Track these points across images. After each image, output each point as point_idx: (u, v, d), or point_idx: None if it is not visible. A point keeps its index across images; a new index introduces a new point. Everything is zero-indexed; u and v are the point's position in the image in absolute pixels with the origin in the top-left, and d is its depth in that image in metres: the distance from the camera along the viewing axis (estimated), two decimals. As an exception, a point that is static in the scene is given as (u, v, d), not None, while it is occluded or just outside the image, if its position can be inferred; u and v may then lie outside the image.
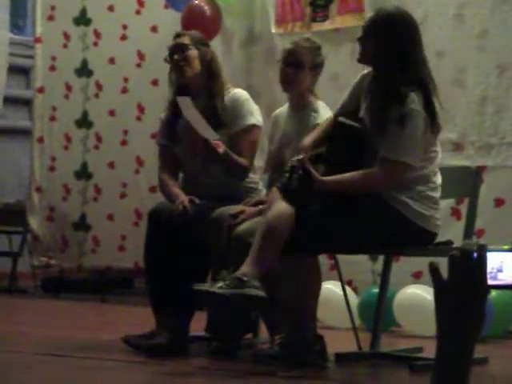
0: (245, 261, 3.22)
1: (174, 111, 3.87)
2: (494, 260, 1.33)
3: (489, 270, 1.32)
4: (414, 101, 3.26)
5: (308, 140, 3.50)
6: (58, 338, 4.17)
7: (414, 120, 3.27)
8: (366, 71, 3.50)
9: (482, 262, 1.31)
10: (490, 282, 1.32)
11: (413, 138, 3.28)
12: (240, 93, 3.87)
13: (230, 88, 3.89)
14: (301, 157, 3.29)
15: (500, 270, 1.34)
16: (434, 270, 1.32)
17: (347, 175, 3.29)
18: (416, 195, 3.34)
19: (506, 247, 1.35)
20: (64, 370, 3.37)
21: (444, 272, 1.33)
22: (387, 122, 3.27)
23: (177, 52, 3.86)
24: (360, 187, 3.30)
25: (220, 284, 3.14)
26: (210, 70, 3.86)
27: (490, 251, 1.33)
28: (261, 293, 3.15)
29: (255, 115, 3.83)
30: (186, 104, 3.72)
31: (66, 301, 6.23)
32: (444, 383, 1.31)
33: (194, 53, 3.86)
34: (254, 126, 3.82)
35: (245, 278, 3.14)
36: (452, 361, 1.30)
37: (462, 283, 1.30)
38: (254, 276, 3.16)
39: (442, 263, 1.33)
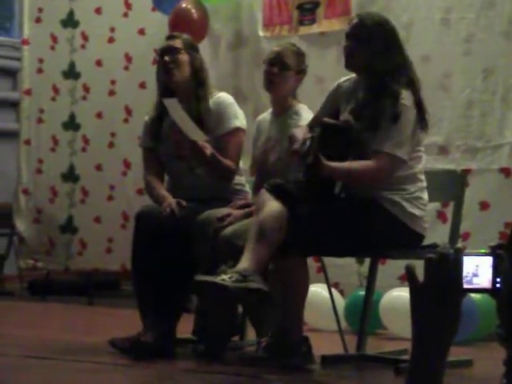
0: (232, 262, 3.23)
1: (160, 112, 3.88)
2: (469, 264, 1.35)
3: (464, 273, 1.34)
4: (405, 98, 3.33)
5: (299, 134, 3.49)
6: (44, 340, 4.17)
7: (405, 116, 3.34)
8: (341, 80, 3.55)
9: (458, 266, 1.32)
10: (465, 285, 1.34)
11: (404, 134, 3.35)
12: (224, 96, 3.90)
13: (214, 92, 3.92)
14: (312, 136, 3.30)
15: (475, 274, 1.35)
16: (410, 272, 1.33)
17: (346, 163, 3.33)
18: (408, 196, 3.39)
19: (482, 251, 1.36)
20: (50, 372, 3.37)
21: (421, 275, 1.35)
22: (381, 119, 3.32)
23: (168, 54, 3.88)
24: (358, 177, 3.35)
25: (222, 277, 3.13)
26: (198, 76, 3.88)
27: (466, 255, 1.34)
28: (263, 286, 3.16)
29: (240, 118, 3.86)
30: (173, 105, 3.73)
31: (53, 303, 6.22)
32: None
33: (184, 57, 3.88)
34: (238, 129, 3.85)
35: (246, 272, 3.15)
36: (426, 363, 1.32)
37: (438, 286, 1.31)
38: (254, 271, 3.17)
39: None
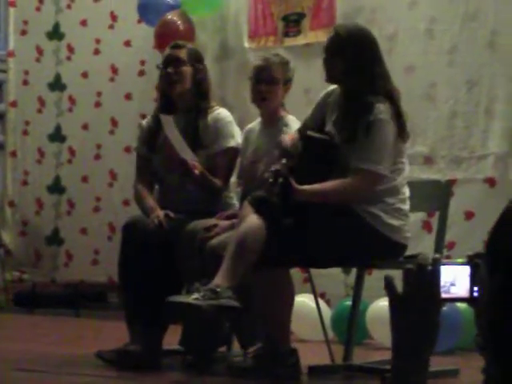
0: (206, 279, 3.24)
1: (157, 123, 3.88)
2: (447, 273, 1.36)
3: (442, 283, 1.35)
4: (382, 111, 3.33)
5: (288, 142, 3.50)
6: (31, 353, 4.15)
7: (382, 129, 3.33)
8: (330, 89, 3.57)
9: (435, 275, 1.33)
10: (443, 295, 1.35)
11: (382, 148, 3.34)
12: (223, 114, 3.90)
13: (215, 107, 3.92)
14: (282, 164, 3.31)
15: (453, 284, 1.37)
16: (388, 283, 1.34)
17: (323, 185, 3.33)
18: (387, 207, 3.39)
19: (459, 261, 1.38)
20: (38, 384, 3.36)
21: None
22: (356, 132, 3.33)
23: (171, 64, 3.86)
24: (335, 197, 3.34)
25: (195, 296, 3.15)
26: (200, 88, 3.88)
27: (443, 264, 1.36)
28: (235, 303, 3.17)
29: (236, 138, 3.86)
30: (167, 122, 3.74)
31: (40, 315, 6.20)
32: None
33: (187, 69, 3.87)
34: (233, 149, 3.86)
35: (218, 290, 3.16)
36: (406, 373, 1.33)
37: (417, 296, 1.32)
38: (228, 287, 3.18)
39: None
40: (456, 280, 1.36)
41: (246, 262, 3.24)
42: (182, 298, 3.19)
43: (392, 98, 3.40)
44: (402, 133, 3.40)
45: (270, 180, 3.25)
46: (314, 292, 3.88)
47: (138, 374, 3.47)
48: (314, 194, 3.31)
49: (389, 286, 1.34)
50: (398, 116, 3.38)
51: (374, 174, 3.33)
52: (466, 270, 1.36)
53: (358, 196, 3.34)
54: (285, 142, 3.47)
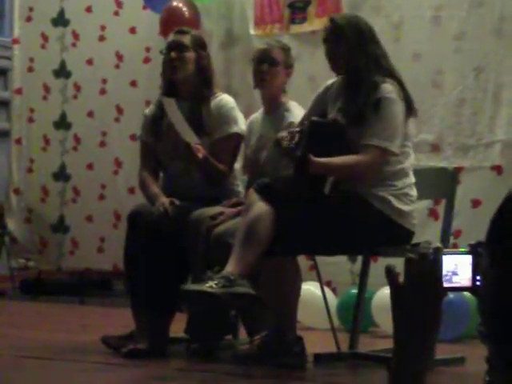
0: (225, 261, 3.23)
1: (161, 110, 3.87)
2: (449, 263, 1.35)
3: (444, 272, 1.34)
4: (391, 90, 3.36)
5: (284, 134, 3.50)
6: (36, 340, 4.16)
7: (391, 107, 3.34)
8: (329, 82, 3.56)
9: (437, 265, 1.32)
10: (445, 284, 1.34)
11: (392, 126, 3.34)
12: (226, 99, 3.89)
13: (217, 93, 3.90)
14: (304, 124, 3.30)
15: (455, 273, 1.36)
16: (389, 272, 1.33)
17: (336, 158, 3.33)
18: (396, 191, 3.39)
19: (461, 250, 1.37)
20: (43, 372, 3.36)
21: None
22: (366, 112, 3.33)
23: (175, 50, 3.85)
24: (347, 171, 3.36)
25: (209, 283, 3.13)
26: (203, 74, 3.86)
27: (445, 254, 1.35)
28: (251, 290, 3.16)
29: (239, 124, 3.85)
30: (170, 105, 3.73)
31: (45, 303, 6.20)
32: None
33: (191, 55, 3.85)
34: (236, 135, 3.85)
35: (232, 277, 3.15)
36: (408, 363, 1.32)
37: (418, 285, 1.31)
38: (240, 275, 3.17)
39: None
40: (458, 269, 1.36)
41: (257, 249, 3.23)
42: (197, 287, 3.17)
43: (396, 76, 3.42)
44: (409, 110, 3.41)
45: (293, 142, 3.24)
46: (319, 280, 3.88)
47: (143, 361, 3.47)
48: (326, 166, 3.31)
49: (390, 275, 1.33)
50: (405, 95, 3.39)
51: (384, 151, 3.33)
52: (468, 259, 1.36)
53: (368, 172, 3.34)
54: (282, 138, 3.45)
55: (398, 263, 1.38)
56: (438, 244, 1.35)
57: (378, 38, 3.51)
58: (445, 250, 1.35)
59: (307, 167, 3.23)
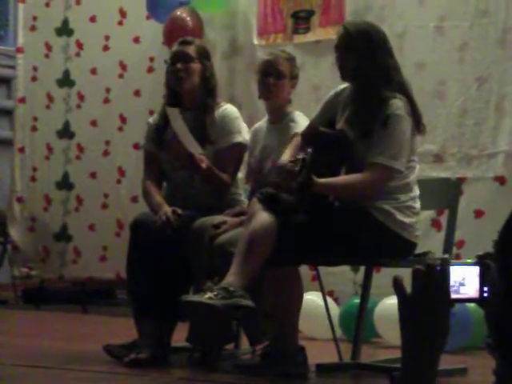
0: (228, 270, 3.23)
1: (165, 119, 3.88)
2: (456, 274, 1.35)
3: (451, 283, 1.34)
4: (399, 107, 3.33)
5: (285, 158, 3.52)
6: (39, 349, 4.16)
7: (399, 124, 3.32)
8: (339, 88, 3.55)
9: (444, 276, 1.32)
10: (452, 295, 1.34)
11: (399, 143, 3.32)
12: (230, 109, 3.89)
13: (221, 103, 3.91)
14: (307, 152, 3.28)
15: (462, 284, 1.35)
16: (397, 283, 1.33)
17: (339, 178, 3.32)
18: (399, 205, 3.38)
19: (469, 261, 1.37)
20: (45, 381, 3.36)
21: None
22: (372, 126, 3.31)
23: (180, 60, 3.85)
24: (350, 191, 3.35)
25: (208, 295, 3.13)
26: (208, 85, 3.87)
27: (453, 265, 1.35)
28: (250, 302, 3.16)
29: (242, 134, 3.85)
30: (174, 115, 3.73)
31: (47, 312, 6.20)
32: None
33: (196, 66, 3.86)
34: (239, 145, 3.85)
35: (232, 288, 3.14)
36: (416, 374, 1.32)
37: (425, 296, 1.31)
38: (240, 286, 3.17)
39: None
40: (465, 280, 1.35)
41: (257, 260, 3.23)
42: (196, 298, 3.17)
43: (406, 90, 3.39)
44: (418, 126, 3.39)
45: (296, 168, 3.22)
46: (322, 290, 3.87)
47: (145, 370, 3.47)
48: (329, 187, 3.30)
49: (398, 286, 1.33)
50: (414, 110, 3.38)
51: (390, 169, 3.32)
52: (476, 270, 1.35)
53: (373, 191, 3.33)
54: (284, 164, 3.45)
55: (402, 274, 1.38)
56: (446, 255, 1.34)
57: (390, 47, 3.46)
58: (452, 260, 1.34)
59: (310, 189, 3.22)
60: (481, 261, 1.34)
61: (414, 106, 3.40)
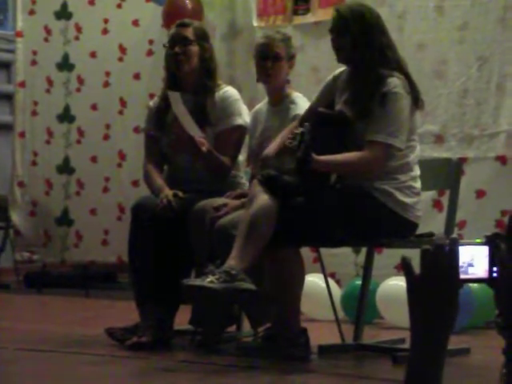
0: (229, 252, 3.23)
1: (165, 102, 3.86)
2: (465, 254, 1.34)
3: (460, 263, 1.33)
4: (397, 85, 3.32)
5: (272, 149, 3.52)
6: (41, 332, 4.16)
7: (398, 102, 3.31)
8: (337, 72, 3.54)
9: (453, 256, 1.31)
10: (461, 275, 1.33)
11: (398, 121, 3.32)
12: (231, 91, 3.88)
13: (221, 85, 3.90)
14: (306, 126, 3.26)
15: (471, 264, 1.34)
16: (406, 264, 1.32)
17: (339, 156, 3.32)
18: (399, 185, 3.37)
19: (478, 241, 1.36)
20: (47, 364, 3.36)
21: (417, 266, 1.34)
22: (372, 106, 3.31)
23: (178, 43, 3.83)
24: (350, 167, 3.35)
25: (210, 278, 3.13)
26: (207, 67, 3.86)
27: (461, 245, 1.34)
28: (252, 286, 3.15)
29: (243, 116, 3.84)
30: (175, 98, 3.72)
31: (49, 296, 6.21)
32: (418, 375, 1.32)
33: (194, 49, 3.85)
34: (240, 127, 3.84)
35: (233, 272, 3.14)
36: (425, 354, 1.31)
37: (434, 277, 1.30)
38: (242, 269, 3.16)
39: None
40: (474, 260, 1.34)
41: (259, 243, 3.22)
42: (198, 282, 3.16)
43: (403, 68, 3.39)
44: (416, 102, 3.38)
45: (295, 142, 3.21)
46: (323, 272, 3.87)
47: (147, 353, 3.47)
48: (328, 164, 3.30)
49: (406, 267, 1.32)
50: (412, 88, 3.37)
51: (389, 147, 3.31)
52: (484, 250, 1.34)
53: (373, 169, 3.32)
54: (268, 153, 3.45)
55: (408, 254, 1.37)
56: (455, 235, 1.33)
57: (384, 27, 3.46)
58: (461, 241, 1.33)
59: (309, 165, 3.21)
60: (490, 241, 1.33)
61: (412, 83, 3.39)
